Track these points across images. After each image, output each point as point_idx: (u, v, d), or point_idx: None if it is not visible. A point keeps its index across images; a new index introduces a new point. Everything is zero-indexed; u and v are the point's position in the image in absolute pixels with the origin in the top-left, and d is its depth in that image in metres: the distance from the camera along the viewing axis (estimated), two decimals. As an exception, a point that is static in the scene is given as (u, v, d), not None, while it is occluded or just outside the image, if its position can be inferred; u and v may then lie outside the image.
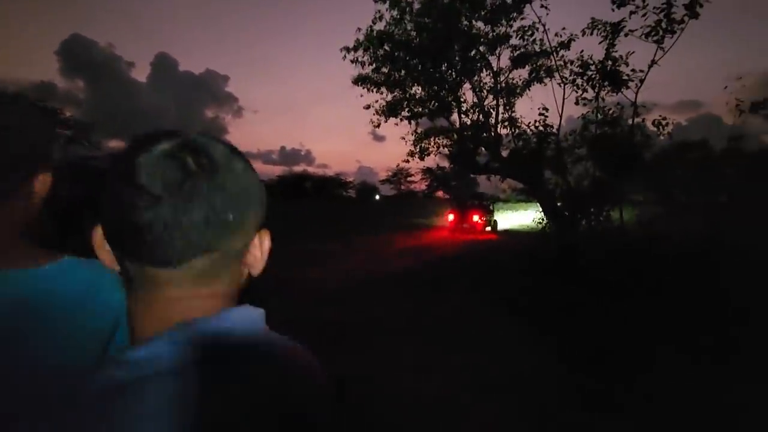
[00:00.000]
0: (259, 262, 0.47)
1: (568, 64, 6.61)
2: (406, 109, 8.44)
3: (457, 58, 7.55)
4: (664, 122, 6.02)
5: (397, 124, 8.68)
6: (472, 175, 16.53)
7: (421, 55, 7.43)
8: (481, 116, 8.06)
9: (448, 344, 3.74)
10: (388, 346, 3.70)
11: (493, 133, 7.87)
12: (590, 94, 6.36)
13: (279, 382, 0.43)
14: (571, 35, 6.58)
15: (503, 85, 7.87)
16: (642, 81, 5.91)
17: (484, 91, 8.07)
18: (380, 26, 7.51)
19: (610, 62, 6.03)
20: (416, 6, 7.26)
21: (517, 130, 7.53)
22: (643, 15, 5.49)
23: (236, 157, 0.43)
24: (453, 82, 7.95)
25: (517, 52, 7.46)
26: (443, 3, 6.89)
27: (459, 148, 8.39)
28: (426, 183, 55.26)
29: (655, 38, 5.54)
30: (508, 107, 7.79)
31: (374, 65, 7.94)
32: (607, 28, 5.89)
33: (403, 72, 7.86)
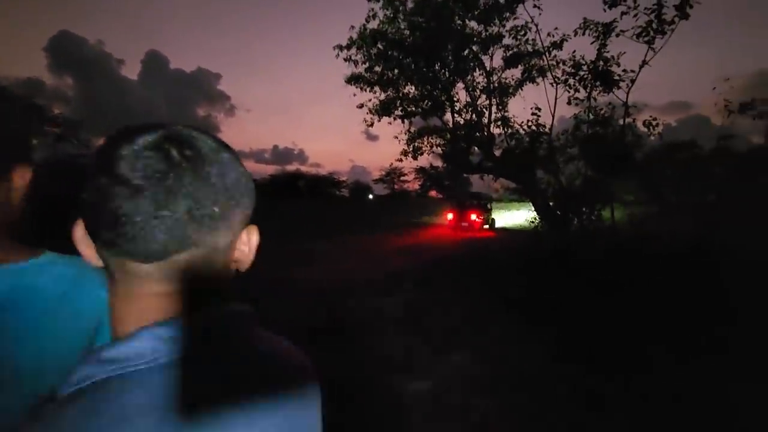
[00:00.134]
0: (247, 258, 0.46)
1: (561, 64, 6.70)
2: (400, 108, 8.45)
3: (450, 58, 7.58)
4: (654, 123, 6.10)
5: (390, 123, 8.73)
6: (465, 175, 16.71)
7: (414, 54, 7.45)
8: (474, 115, 8.12)
9: (444, 343, 3.75)
10: (383, 346, 3.69)
11: (486, 133, 7.92)
12: (582, 94, 6.45)
13: (269, 383, 0.41)
14: (564, 35, 6.66)
15: (496, 84, 7.93)
16: (633, 81, 5.99)
17: (477, 91, 8.13)
18: (374, 25, 7.53)
19: (601, 62, 6.10)
20: (410, 5, 7.28)
21: (509, 130, 7.60)
22: (635, 15, 5.57)
23: (224, 150, 0.41)
24: (446, 82, 7.98)
25: (510, 51, 7.53)
26: (436, 2, 6.90)
27: (452, 147, 8.43)
28: (419, 182, 55.32)
29: (646, 39, 5.62)
30: (500, 107, 7.84)
31: (367, 64, 7.95)
32: (599, 29, 5.96)
33: (396, 71, 7.88)
